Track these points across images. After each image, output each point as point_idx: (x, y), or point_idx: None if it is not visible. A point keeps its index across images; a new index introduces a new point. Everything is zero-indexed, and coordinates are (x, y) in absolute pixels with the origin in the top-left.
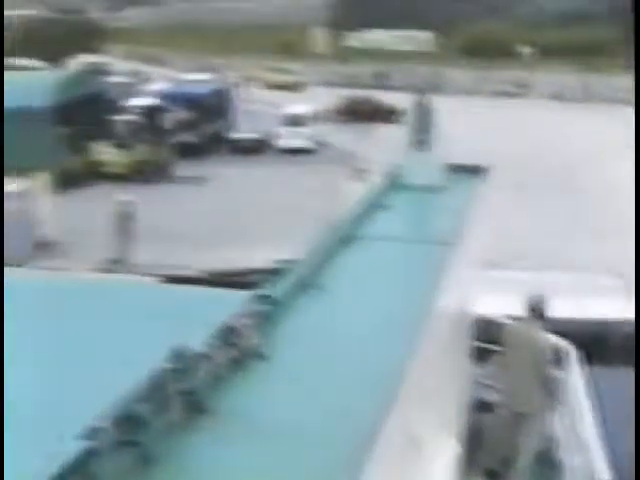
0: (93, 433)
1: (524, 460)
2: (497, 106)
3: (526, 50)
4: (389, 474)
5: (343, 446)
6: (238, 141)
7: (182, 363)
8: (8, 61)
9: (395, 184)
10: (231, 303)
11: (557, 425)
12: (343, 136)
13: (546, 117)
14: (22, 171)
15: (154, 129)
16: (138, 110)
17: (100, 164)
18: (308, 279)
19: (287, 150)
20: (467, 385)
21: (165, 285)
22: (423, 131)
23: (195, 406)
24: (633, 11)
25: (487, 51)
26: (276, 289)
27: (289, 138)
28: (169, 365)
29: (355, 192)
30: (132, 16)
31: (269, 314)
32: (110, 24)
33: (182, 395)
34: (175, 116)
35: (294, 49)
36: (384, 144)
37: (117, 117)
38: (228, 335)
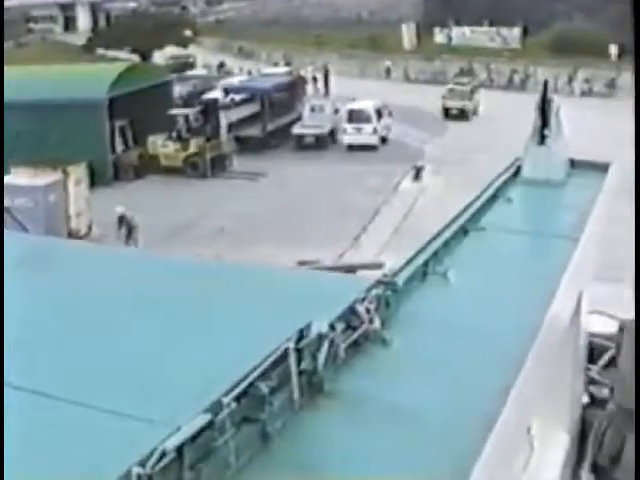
0: (216, 407)
1: (631, 457)
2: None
3: (614, 50)
4: (502, 463)
5: (459, 433)
6: (302, 136)
7: (305, 344)
8: (99, 52)
9: (517, 177)
10: (355, 288)
11: None
12: (412, 133)
13: None
14: (65, 163)
15: (214, 123)
16: (203, 103)
17: (156, 157)
18: (428, 267)
19: (351, 146)
20: (580, 380)
21: (291, 269)
22: (546, 126)
23: (315, 386)
24: (633, 11)
25: (576, 50)
26: (398, 276)
27: (353, 134)
28: (292, 345)
29: (413, 191)
30: (229, 9)
31: (391, 300)
32: (207, 17)
33: (303, 375)
34: (240, 110)
35: (382, 45)
36: (453, 142)
37: (177, 110)
38: (350, 319)
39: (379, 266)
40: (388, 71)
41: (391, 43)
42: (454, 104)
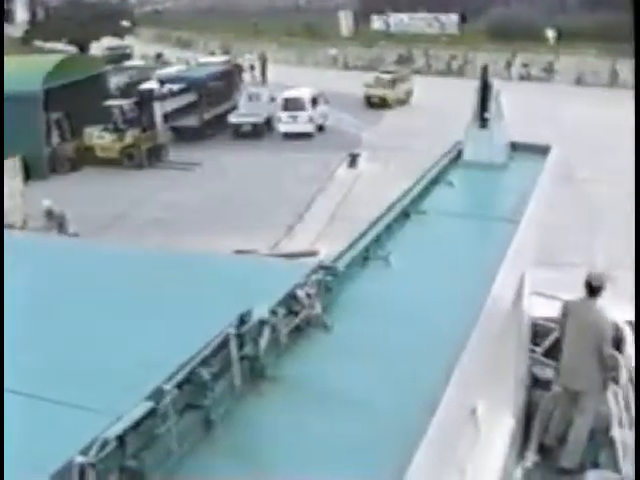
0: (158, 395)
1: (578, 437)
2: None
3: (551, 34)
4: (446, 446)
5: (402, 416)
6: (239, 125)
7: (246, 329)
8: (36, 44)
9: (457, 161)
10: (296, 273)
11: (612, 403)
12: (349, 120)
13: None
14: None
15: (149, 113)
16: (138, 94)
17: (92, 149)
18: (370, 251)
19: (287, 134)
20: (524, 362)
21: (232, 256)
22: (486, 110)
23: (257, 372)
24: (633, 11)
25: (513, 35)
26: (339, 261)
27: (289, 122)
28: (233, 331)
29: (348, 178)
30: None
31: (332, 284)
32: (145, 8)
33: (245, 361)
34: (176, 100)
35: (320, 32)
36: (388, 128)
37: (113, 102)
38: (292, 304)
39: (313, 254)
40: (335, 59)
41: (329, 31)
42: (375, 92)
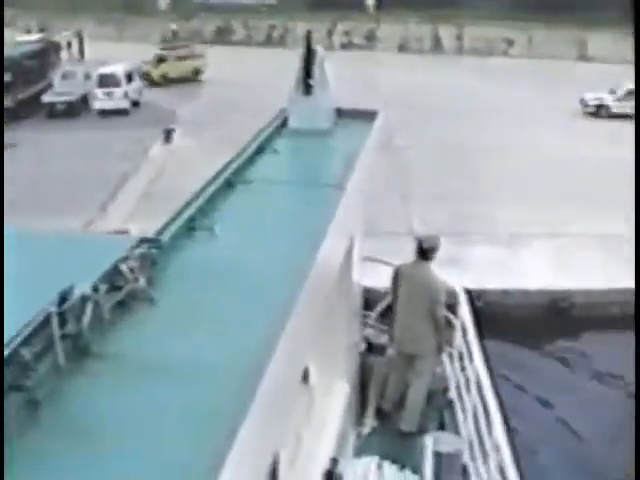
0: None
1: (415, 400)
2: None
3: (371, 1)
4: (279, 414)
5: (231, 385)
6: (53, 104)
7: (67, 307)
8: None
9: (282, 128)
10: (119, 247)
11: (448, 365)
12: (162, 95)
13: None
14: None
15: None
16: None
17: None
18: (195, 222)
19: (104, 111)
20: (357, 327)
21: (49, 232)
22: (310, 77)
23: (81, 349)
24: (633, 11)
25: (333, 3)
26: (162, 232)
27: (105, 99)
28: (54, 309)
29: (163, 154)
30: None
31: (157, 257)
32: None
33: (68, 338)
34: None
35: (138, 7)
36: (199, 101)
37: None
38: (115, 279)
39: (124, 233)
40: (174, 33)
41: (147, 4)
42: (153, 70)
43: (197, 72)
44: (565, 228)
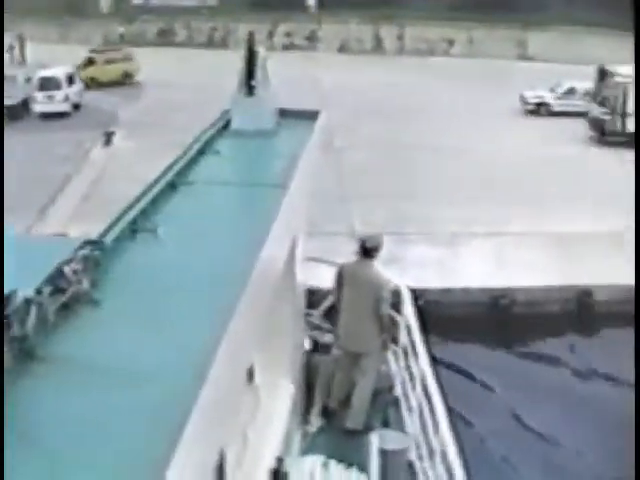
0: None
1: (361, 399)
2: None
3: (312, 2)
4: (223, 415)
5: (174, 388)
6: None
7: (11, 310)
8: None
9: (224, 130)
10: (63, 250)
11: (393, 363)
12: (104, 97)
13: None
14: None
15: None
16: None
17: None
18: (137, 224)
19: (44, 115)
20: (301, 327)
21: None
22: (252, 77)
23: (26, 353)
24: (633, 11)
25: (275, 4)
26: (105, 235)
27: (45, 102)
28: None
29: (103, 157)
30: None
31: (100, 259)
32: None
33: (12, 341)
34: None
35: (80, 9)
36: (140, 103)
37: None
38: (58, 281)
39: (63, 237)
40: (122, 36)
41: (89, 7)
42: (85, 73)
43: (128, 75)
44: (503, 227)
